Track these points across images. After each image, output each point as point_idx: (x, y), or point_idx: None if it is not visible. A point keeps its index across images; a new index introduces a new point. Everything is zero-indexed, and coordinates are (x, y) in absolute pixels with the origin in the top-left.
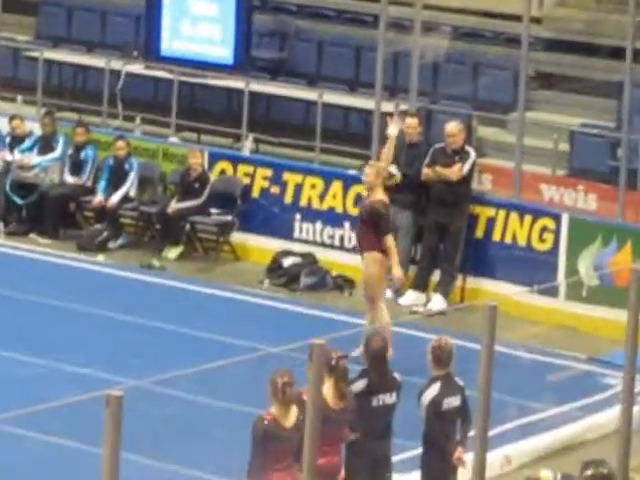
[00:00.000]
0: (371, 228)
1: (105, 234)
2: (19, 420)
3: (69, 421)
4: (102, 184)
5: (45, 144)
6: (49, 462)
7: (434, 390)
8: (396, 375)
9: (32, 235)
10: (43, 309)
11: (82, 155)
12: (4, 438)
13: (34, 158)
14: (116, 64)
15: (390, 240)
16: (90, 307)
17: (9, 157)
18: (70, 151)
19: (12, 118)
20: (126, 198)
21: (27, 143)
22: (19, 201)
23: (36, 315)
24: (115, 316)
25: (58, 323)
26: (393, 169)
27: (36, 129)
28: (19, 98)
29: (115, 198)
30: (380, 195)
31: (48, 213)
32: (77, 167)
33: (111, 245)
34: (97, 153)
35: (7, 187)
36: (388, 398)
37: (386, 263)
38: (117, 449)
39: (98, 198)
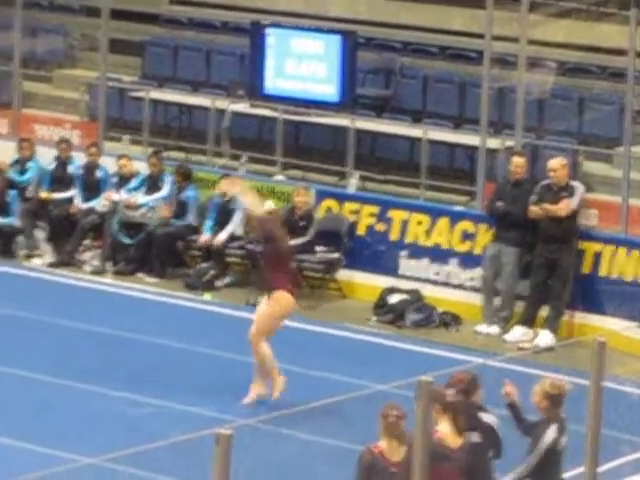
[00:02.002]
0: (278, 265)
1: (212, 273)
2: (130, 459)
3: (179, 460)
4: (208, 223)
5: (152, 183)
6: None
7: (553, 432)
8: (485, 415)
9: (139, 274)
10: (151, 348)
11: (183, 196)
12: (115, 477)
13: (141, 198)
14: (221, 103)
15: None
16: (197, 346)
17: (116, 197)
18: (174, 191)
19: (119, 158)
20: (232, 237)
21: (134, 183)
22: (126, 240)
23: (144, 354)
24: (222, 354)
25: (166, 362)
26: None
27: (143, 168)
28: (125, 138)
29: (222, 237)
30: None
31: (155, 252)
32: (180, 207)
33: (218, 284)
34: (198, 193)
35: (115, 227)
36: (473, 438)
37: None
38: None
39: (204, 237)
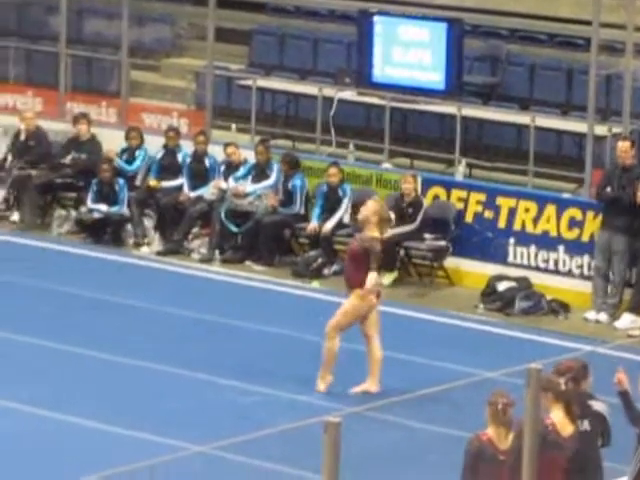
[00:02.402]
0: (362, 265)
1: (320, 260)
2: (239, 447)
3: (288, 448)
4: (316, 211)
5: (259, 172)
6: None
7: None
8: (595, 402)
9: (247, 262)
10: (259, 336)
11: (290, 184)
12: (224, 465)
13: (248, 186)
14: (329, 91)
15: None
16: (304, 334)
17: (224, 185)
18: (281, 179)
19: (227, 145)
20: (340, 224)
21: (241, 171)
22: (234, 229)
23: (252, 342)
24: None
25: (274, 350)
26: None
27: (250, 157)
28: (233, 126)
29: (329, 225)
30: (374, 233)
31: (263, 240)
32: (287, 196)
33: (326, 271)
34: (305, 181)
35: (222, 215)
36: (584, 425)
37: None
38: (336, 475)
39: (312, 225)
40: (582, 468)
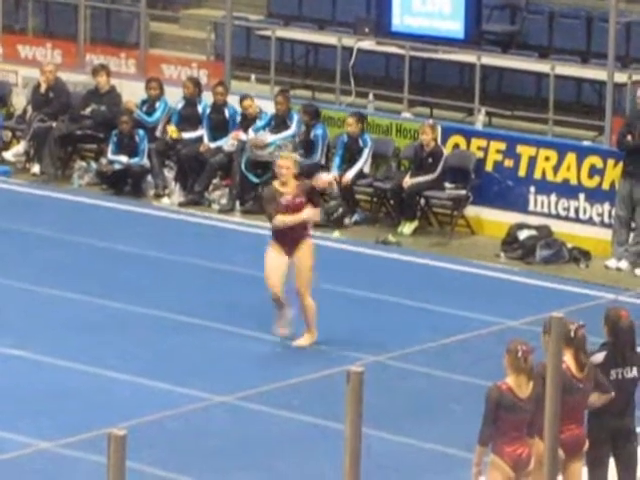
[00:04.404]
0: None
1: (341, 210)
2: (262, 397)
3: (310, 397)
4: (336, 161)
5: (279, 122)
6: (291, 438)
7: None
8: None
9: None
10: None
11: (312, 134)
12: (246, 414)
13: (268, 136)
14: (348, 41)
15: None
16: (326, 283)
17: (243, 136)
18: (302, 129)
19: (243, 98)
20: (361, 174)
21: (261, 122)
22: (254, 179)
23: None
24: (352, 292)
25: (294, 301)
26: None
27: (269, 107)
28: (252, 77)
29: (350, 175)
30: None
31: None
32: (307, 146)
33: (347, 221)
34: (327, 131)
35: (242, 166)
36: (628, 372)
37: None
38: (358, 425)
39: (333, 175)
40: (622, 412)
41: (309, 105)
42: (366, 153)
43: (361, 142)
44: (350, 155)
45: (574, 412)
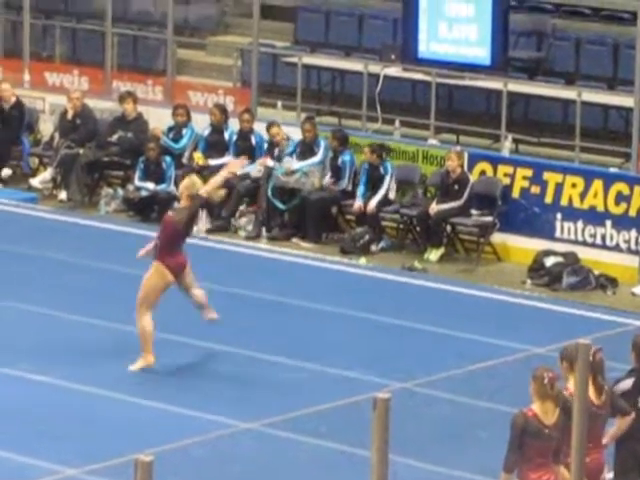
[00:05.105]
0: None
1: (367, 237)
2: (288, 424)
3: (336, 424)
4: (361, 189)
5: (305, 149)
6: (317, 465)
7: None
8: None
9: (294, 239)
10: (306, 313)
11: (340, 161)
12: (272, 441)
13: (295, 163)
14: (374, 67)
15: None
16: (352, 310)
17: (270, 163)
18: (330, 155)
19: (270, 126)
20: (387, 201)
21: (288, 148)
22: (281, 206)
23: (298, 319)
24: (377, 318)
25: (321, 326)
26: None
27: (296, 134)
28: (279, 104)
29: (373, 202)
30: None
31: (310, 217)
32: (335, 172)
33: (373, 248)
34: (354, 157)
35: (269, 192)
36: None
37: (167, 278)
38: (385, 452)
39: (358, 203)
40: None
41: (338, 131)
42: (387, 180)
43: (382, 169)
44: (373, 183)
45: (594, 437)
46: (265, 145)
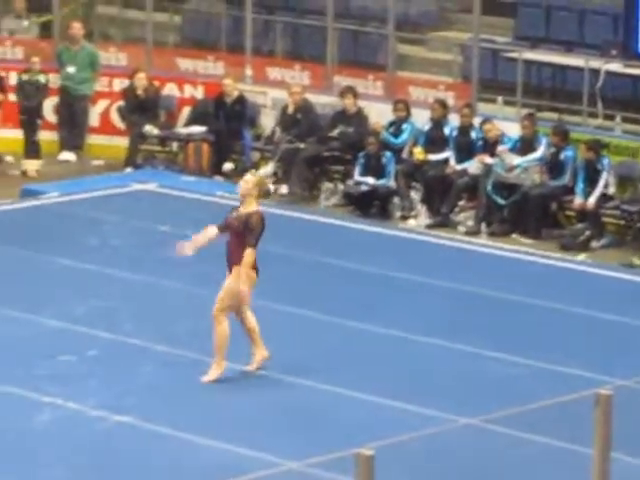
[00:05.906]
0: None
1: (587, 234)
2: (507, 420)
3: (556, 421)
4: (580, 186)
5: (526, 145)
6: (535, 461)
7: None
8: None
9: (514, 235)
10: (523, 308)
11: (562, 156)
12: (491, 438)
13: (515, 159)
14: (595, 63)
15: (251, 254)
16: (570, 306)
17: (489, 160)
18: (551, 151)
19: (483, 122)
20: (607, 197)
21: (508, 144)
22: (501, 202)
23: (516, 314)
24: (595, 314)
25: (538, 322)
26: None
27: (515, 130)
28: (499, 99)
29: (592, 199)
30: (254, 206)
31: (530, 213)
32: (556, 168)
33: (594, 244)
34: (576, 153)
35: (489, 188)
36: None
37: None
38: (608, 449)
39: (578, 200)
40: None
41: (559, 126)
42: (604, 176)
43: (599, 165)
44: (591, 179)
45: None
46: (479, 143)
